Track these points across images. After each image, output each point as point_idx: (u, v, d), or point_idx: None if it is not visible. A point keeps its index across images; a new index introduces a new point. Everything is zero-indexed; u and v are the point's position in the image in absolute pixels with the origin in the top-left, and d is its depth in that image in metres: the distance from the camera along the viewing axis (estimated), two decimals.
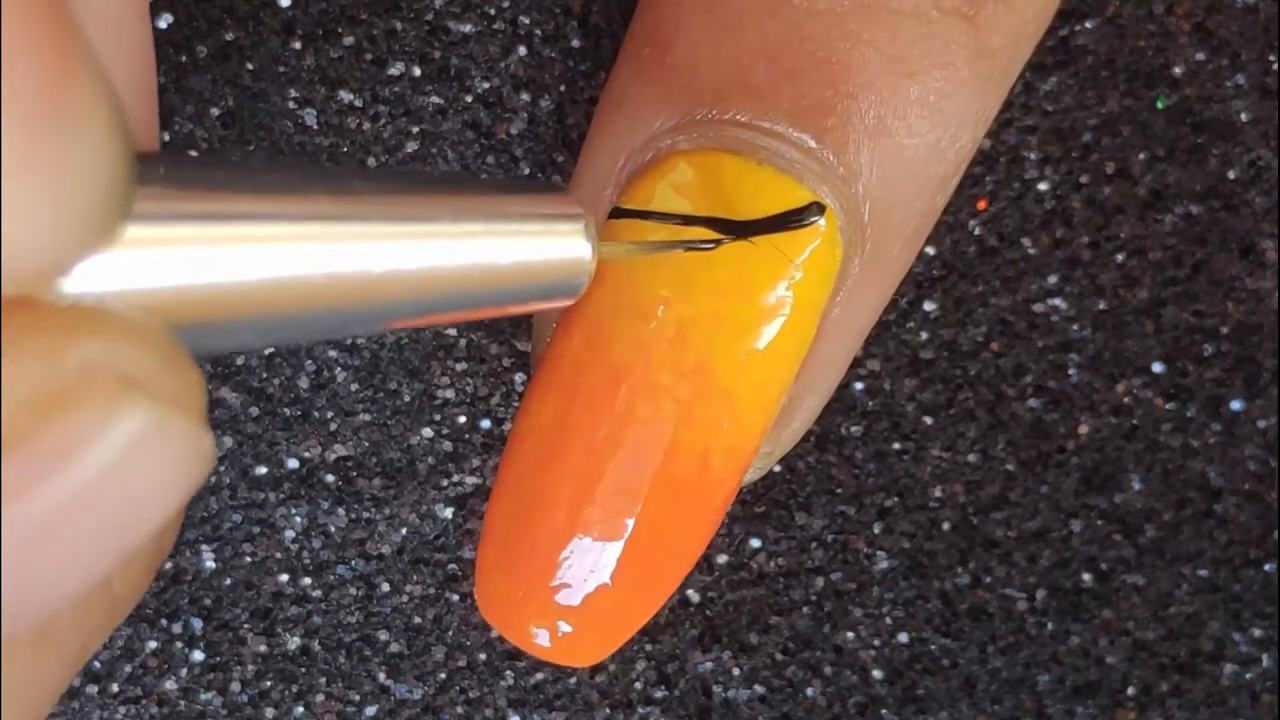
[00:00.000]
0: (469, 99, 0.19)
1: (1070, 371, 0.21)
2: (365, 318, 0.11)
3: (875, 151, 0.15)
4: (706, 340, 0.15)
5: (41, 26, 0.08)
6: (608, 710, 0.21)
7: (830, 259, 0.15)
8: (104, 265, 0.09)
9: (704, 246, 0.15)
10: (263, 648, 0.21)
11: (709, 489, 0.16)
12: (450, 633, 0.21)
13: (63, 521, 0.09)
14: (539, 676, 0.21)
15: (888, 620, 0.21)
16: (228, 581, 0.20)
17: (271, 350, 0.20)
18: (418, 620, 0.21)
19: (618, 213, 0.15)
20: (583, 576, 0.16)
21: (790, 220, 0.15)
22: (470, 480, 0.20)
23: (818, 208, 0.15)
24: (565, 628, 0.16)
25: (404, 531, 0.20)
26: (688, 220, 0.15)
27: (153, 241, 0.09)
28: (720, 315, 0.15)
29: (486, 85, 0.19)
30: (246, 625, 0.21)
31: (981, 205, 0.20)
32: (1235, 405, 0.21)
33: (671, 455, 0.15)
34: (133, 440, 0.09)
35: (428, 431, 0.20)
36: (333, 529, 0.20)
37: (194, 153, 0.19)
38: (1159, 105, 0.20)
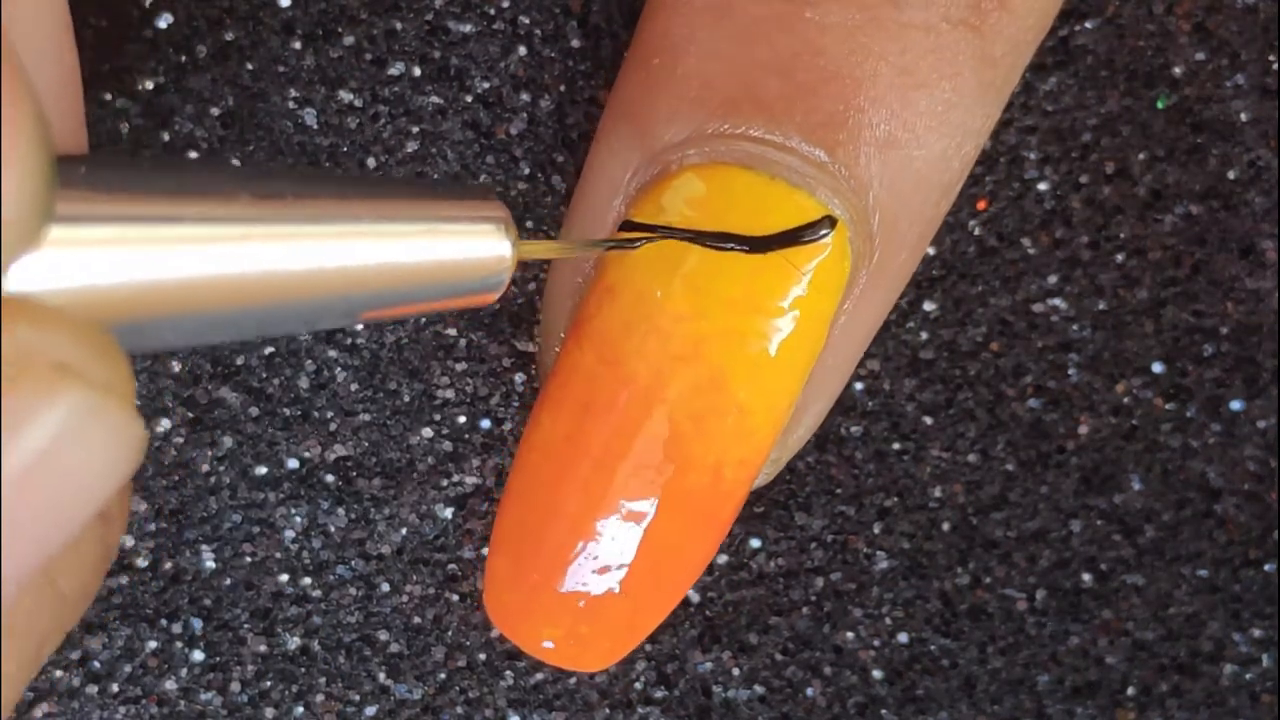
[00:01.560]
0: (469, 99, 0.19)
1: (1070, 371, 0.21)
2: (286, 317, 0.11)
3: (885, 164, 0.15)
4: (721, 355, 0.15)
5: None
6: (607, 710, 0.21)
7: (840, 270, 0.16)
8: (28, 265, 0.09)
9: (629, 246, 0.15)
10: (263, 648, 0.21)
11: (720, 500, 0.16)
12: (450, 633, 0.21)
13: (2, 504, 0.09)
14: (539, 676, 0.21)
15: (887, 620, 0.21)
16: (228, 581, 0.20)
17: (271, 350, 0.20)
18: (417, 620, 0.21)
19: (629, 226, 0.15)
20: (593, 585, 0.16)
21: (803, 235, 0.15)
22: (470, 480, 0.20)
23: (830, 221, 0.15)
24: (575, 635, 0.17)
25: (404, 531, 0.20)
26: (700, 236, 0.15)
27: (73, 242, 0.10)
28: (734, 330, 0.15)
29: (486, 85, 0.19)
30: (246, 625, 0.21)
31: (981, 205, 0.20)
32: (1235, 405, 0.21)
33: (684, 469, 0.16)
34: (68, 422, 0.09)
35: (427, 431, 0.20)
36: (332, 529, 0.20)
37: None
38: (1159, 105, 0.20)
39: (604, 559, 0.16)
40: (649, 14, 0.16)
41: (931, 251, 0.20)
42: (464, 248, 0.12)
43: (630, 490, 0.16)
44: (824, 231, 0.15)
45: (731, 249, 0.15)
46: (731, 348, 0.15)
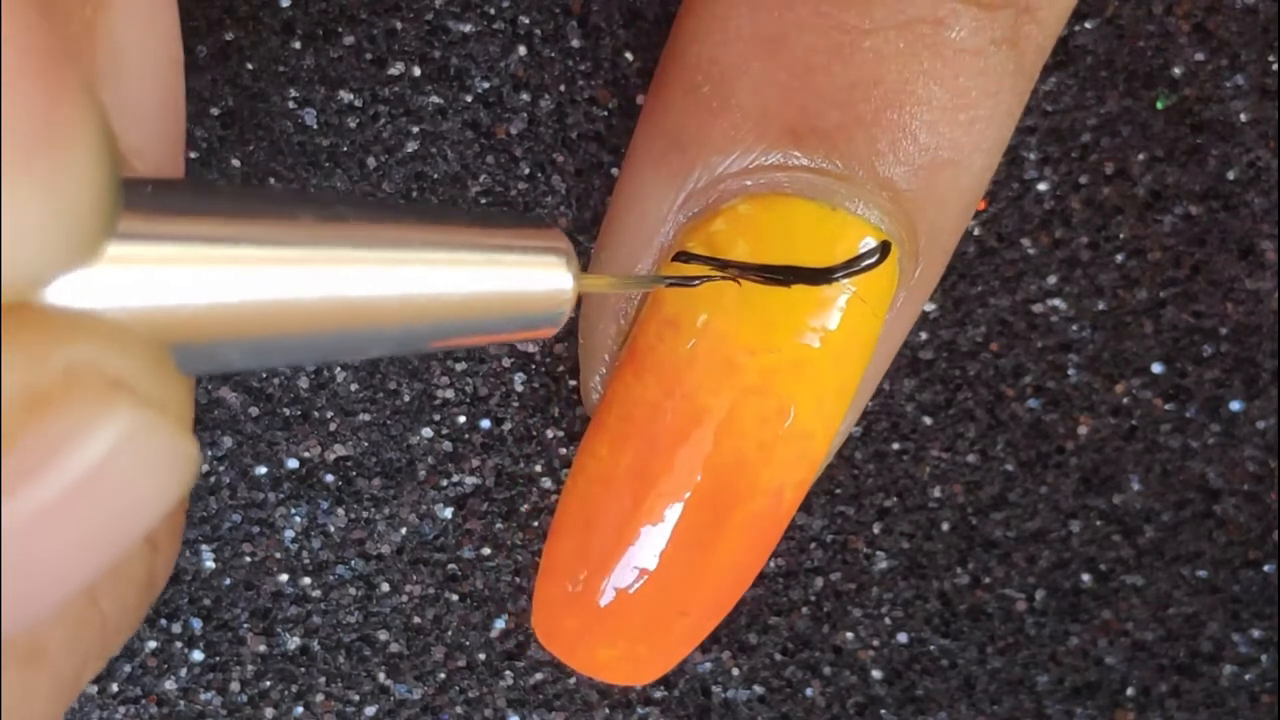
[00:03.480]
0: (469, 99, 0.19)
1: (1069, 372, 0.21)
2: (347, 344, 0.11)
3: (935, 185, 0.15)
4: (789, 386, 0.15)
5: (34, 57, 0.08)
6: (607, 710, 0.21)
7: (889, 291, 0.16)
8: (88, 280, 0.09)
9: (691, 284, 0.15)
10: (262, 648, 0.21)
11: (779, 521, 0.17)
12: (449, 633, 0.21)
13: (52, 519, 0.09)
14: (538, 676, 0.21)
15: (887, 620, 0.21)
16: (227, 581, 0.20)
17: None
18: (417, 620, 0.21)
19: (685, 257, 0.15)
20: (656, 611, 0.16)
21: (862, 263, 0.15)
22: (470, 480, 0.20)
23: (885, 246, 0.15)
24: (632, 655, 0.17)
25: (403, 531, 0.20)
26: (765, 270, 0.15)
27: (134, 259, 0.10)
28: (802, 361, 0.15)
29: (486, 85, 0.19)
30: (246, 625, 0.21)
31: (981, 205, 0.20)
32: (1234, 406, 0.21)
33: (750, 496, 0.16)
34: (119, 440, 0.09)
35: (427, 431, 0.20)
36: (332, 529, 0.20)
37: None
38: (1158, 106, 0.20)
39: (670, 587, 0.16)
40: (689, 39, 0.16)
41: None
42: (525, 278, 0.12)
43: (698, 519, 0.16)
44: (880, 257, 0.15)
45: (799, 283, 0.15)
46: (800, 378, 0.15)
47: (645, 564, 0.16)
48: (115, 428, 0.09)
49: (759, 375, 0.15)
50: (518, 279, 0.12)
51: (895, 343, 0.17)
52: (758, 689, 0.21)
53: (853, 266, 0.15)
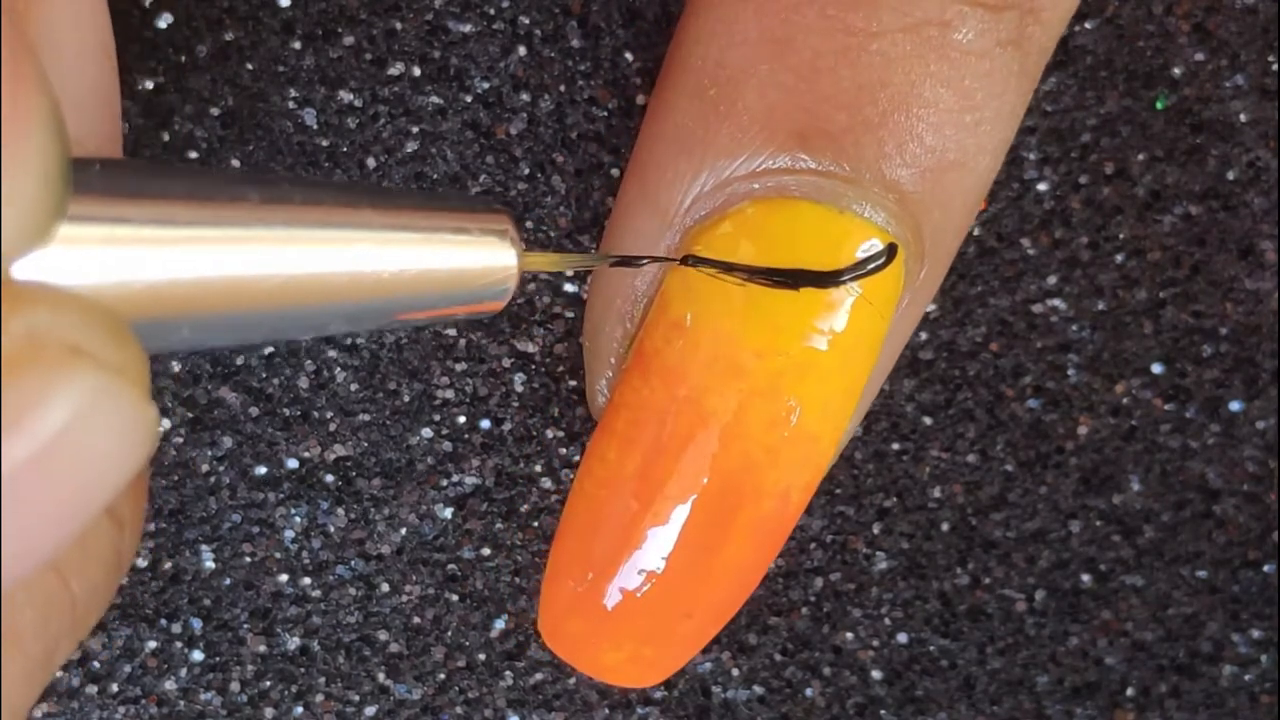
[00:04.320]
0: (469, 99, 0.19)
1: (1069, 372, 0.21)
2: (296, 320, 0.12)
3: (941, 187, 0.15)
4: (796, 389, 0.15)
5: None
6: (607, 710, 0.21)
7: (895, 292, 0.16)
8: (41, 260, 0.10)
9: (637, 263, 0.15)
10: (262, 648, 0.21)
11: (785, 523, 0.17)
12: (449, 633, 0.21)
13: (20, 485, 0.09)
14: (538, 677, 0.21)
15: (887, 621, 0.21)
16: (227, 581, 0.20)
17: (271, 350, 0.20)
18: (417, 620, 0.21)
19: (694, 260, 0.15)
20: (663, 613, 0.16)
21: (869, 265, 0.15)
22: (469, 480, 0.20)
23: (892, 249, 0.15)
24: (638, 657, 0.17)
25: (403, 532, 0.20)
26: (772, 273, 0.15)
27: (86, 240, 0.10)
28: (809, 364, 0.15)
29: (486, 85, 0.19)
30: (246, 625, 0.21)
31: (981, 205, 0.20)
32: (1234, 406, 0.21)
33: (757, 498, 0.16)
34: (82, 404, 0.09)
35: (427, 432, 0.20)
36: (332, 529, 0.20)
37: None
38: (1158, 106, 0.20)
39: (676, 590, 0.16)
40: (695, 41, 0.16)
41: None
42: (469, 257, 0.13)
43: (705, 522, 0.16)
44: (887, 260, 0.15)
45: (806, 286, 0.15)
46: (807, 381, 0.15)
47: (652, 566, 0.16)
48: (79, 391, 0.09)
49: (766, 378, 0.15)
50: (463, 256, 0.13)
51: (899, 344, 0.17)
52: (757, 689, 0.21)
53: (859, 269, 0.15)
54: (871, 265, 0.15)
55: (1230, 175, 0.20)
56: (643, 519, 0.16)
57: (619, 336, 0.17)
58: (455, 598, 0.21)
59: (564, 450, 0.20)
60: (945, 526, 0.21)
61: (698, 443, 0.16)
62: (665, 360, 0.16)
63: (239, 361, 0.20)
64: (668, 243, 0.16)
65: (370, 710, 0.21)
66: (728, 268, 0.15)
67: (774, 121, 0.15)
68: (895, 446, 0.21)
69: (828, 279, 0.15)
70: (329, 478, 0.20)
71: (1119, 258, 0.20)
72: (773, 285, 0.15)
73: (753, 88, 0.15)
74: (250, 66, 0.19)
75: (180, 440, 0.20)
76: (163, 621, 0.20)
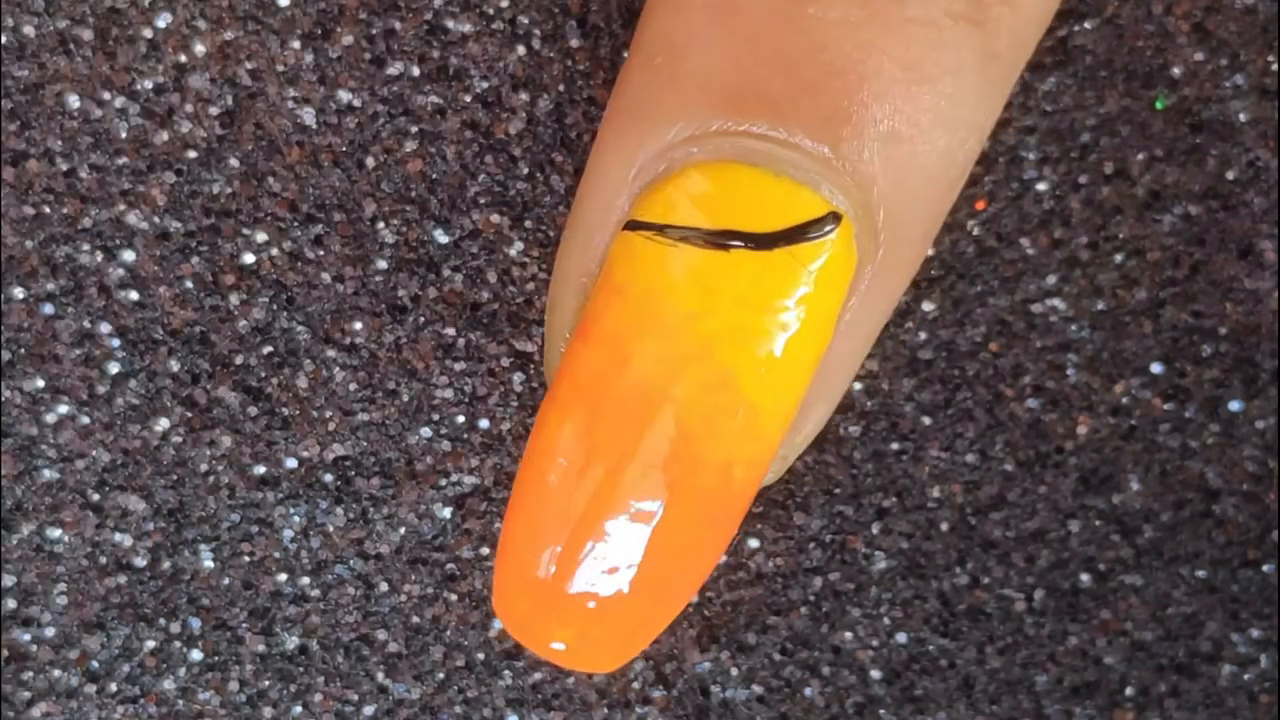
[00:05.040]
0: (468, 98, 0.19)
1: (1069, 372, 0.21)
2: None
3: (889, 159, 0.15)
4: (730, 354, 0.15)
5: None
6: (606, 710, 0.21)
7: (846, 267, 0.16)
8: None
9: None
10: (261, 647, 0.21)
11: (730, 500, 0.16)
12: (448, 632, 0.21)
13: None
14: (537, 676, 0.21)
15: (886, 620, 0.21)
16: (226, 581, 0.20)
17: (270, 349, 0.20)
18: (416, 620, 0.21)
19: (634, 225, 0.15)
20: (602, 586, 0.16)
21: (808, 232, 0.15)
22: (469, 480, 0.20)
23: (834, 218, 0.15)
24: (586, 636, 0.17)
25: (402, 531, 0.20)
26: (706, 234, 0.15)
27: None
28: (743, 328, 0.15)
29: (485, 85, 0.19)
30: (245, 625, 0.21)
31: (980, 205, 0.20)
32: (1234, 406, 0.21)
33: (694, 469, 0.16)
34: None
35: (426, 431, 0.20)
36: (331, 529, 0.20)
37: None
38: (1158, 105, 0.20)
39: (613, 560, 0.16)
40: (649, 14, 0.16)
41: (930, 252, 0.20)
42: None
43: (640, 491, 0.16)
44: (829, 228, 0.15)
45: (737, 247, 0.15)
46: (740, 346, 0.15)
47: (589, 538, 0.16)
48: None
49: (698, 341, 0.15)
50: None
51: (868, 328, 0.17)
52: (756, 689, 0.21)
53: (798, 235, 0.15)
54: (810, 233, 0.15)
55: (1230, 175, 0.20)
56: (577, 487, 0.16)
57: (574, 308, 0.17)
58: (454, 597, 0.21)
59: None
60: (944, 526, 0.21)
61: (631, 410, 0.15)
62: (603, 326, 0.16)
63: (238, 361, 0.20)
64: (618, 210, 0.16)
65: (369, 709, 0.21)
66: (661, 229, 0.15)
67: (713, 86, 0.15)
68: (894, 446, 0.21)
69: (762, 241, 0.15)
70: (328, 477, 0.20)
71: (1118, 258, 0.20)
72: (705, 246, 0.15)
73: (695, 54, 0.15)
74: (250, 66, 0.19)
75: (179, 440, 0.20)
76: (161, 621, 0.20)
